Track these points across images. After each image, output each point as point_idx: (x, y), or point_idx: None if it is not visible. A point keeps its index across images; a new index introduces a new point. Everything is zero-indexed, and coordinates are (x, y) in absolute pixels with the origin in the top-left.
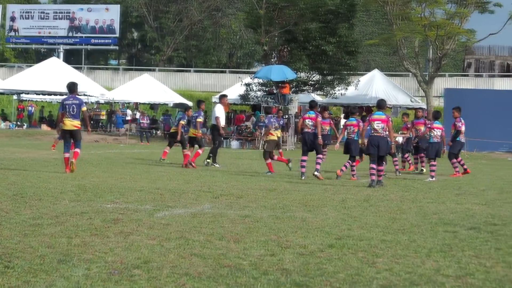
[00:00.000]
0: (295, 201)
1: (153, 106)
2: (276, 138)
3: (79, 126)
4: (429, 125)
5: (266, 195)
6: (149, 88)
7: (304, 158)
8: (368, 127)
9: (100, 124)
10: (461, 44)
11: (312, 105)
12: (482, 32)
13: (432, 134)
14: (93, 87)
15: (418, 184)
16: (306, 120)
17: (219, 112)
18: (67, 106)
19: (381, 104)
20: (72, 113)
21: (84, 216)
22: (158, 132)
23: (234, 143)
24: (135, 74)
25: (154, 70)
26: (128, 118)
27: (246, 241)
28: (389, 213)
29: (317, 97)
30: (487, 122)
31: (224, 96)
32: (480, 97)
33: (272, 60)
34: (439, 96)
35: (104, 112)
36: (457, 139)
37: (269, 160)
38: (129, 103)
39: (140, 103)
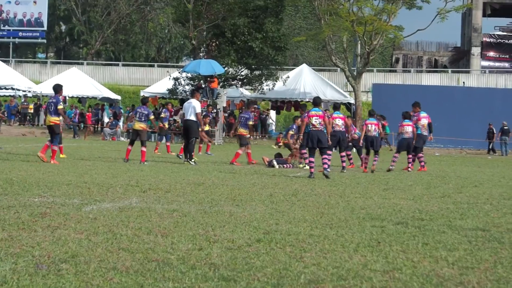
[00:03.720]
0: (223, 196)
1: (81, 100)
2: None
3: (56, 121)
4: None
5: (194, 189)
6: (77, 81)
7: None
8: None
9: (27, 117)
10: (389, 39)
11: (317, 102)
12: (410, 27)
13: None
14: (21, 81)
15: (346, 179)
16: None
17: (199, 107)
18: (47, 103)
19: (316, 101)
20: (50, 110)
21: (11, 210)
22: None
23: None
24: (63, 68)
25: (82, 63)
26: None
27: (173, 236)
28: (317, 207)
29: (246, 92)
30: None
31: (197, 91)
32: (408, 92)
33: (201, 54)
34: (367, 91)
35: (31, 106)
36: (418, 132)
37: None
38: None
39: (68, 97)
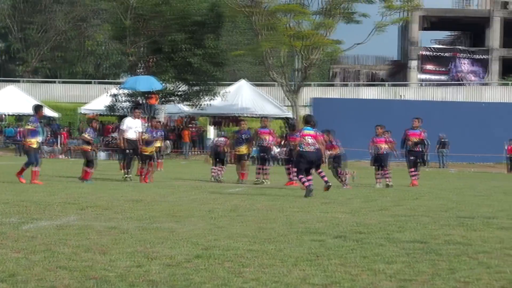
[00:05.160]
0: (162, 212)
1: (19, 118)
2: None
3: (25, 142)
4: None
5: (133, 206)
6: (15, 99)
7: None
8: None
9: None
10: (328, 54)
11: (309, 120)
12: (348, 41)
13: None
14: None
15: (285, 193)
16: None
17: (124, 124)
18: None
19: (308, 120)
20: None
21: None
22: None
23: (102, 154)
24: (0, 86)
25: (19, 81)
26: None
27: (112, 253)
28: (256, 222)
29: (185, 108)
30: (354, 131)
31: (136, 108)
32: (347, 106)
33: (139, 70)
34: (306, 106)
35: None
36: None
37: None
38: None
39: (5, 115)
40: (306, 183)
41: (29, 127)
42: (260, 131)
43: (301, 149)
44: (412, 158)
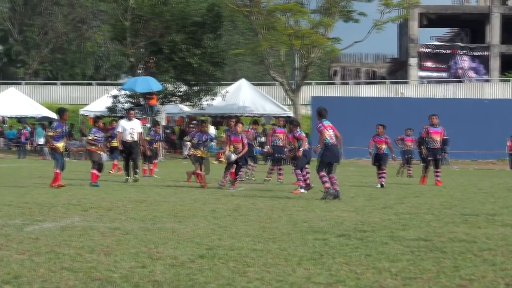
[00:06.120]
0: (165, 212)
1: (20, 120)
2: None
3: (50, 146)
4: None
5: (136, 207)
6: (16, 102)
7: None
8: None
9: None
10: (327, 52)
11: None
12: (347, 40)
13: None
14: None
15: (287, 193)
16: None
17: (119, 127)
18: None
19: (323, 113)
20: None
21: None
22: (26, 146)
23: (103, 155)
24: (1, 88)
25: (20, 83)
26: None
27: (116, 254)
28: (259, 222)
29: (185, 108)
30: (354, 129)
31: (130, 109)
32: (347, 104)
33: (139, 71)
34: (306, 104)
35: None
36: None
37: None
38: None
39: (7, 117)
40: (327, 184)
41: (51, 133)
42: (278, 130)
43: (327, 142)
44: (429, 158)
